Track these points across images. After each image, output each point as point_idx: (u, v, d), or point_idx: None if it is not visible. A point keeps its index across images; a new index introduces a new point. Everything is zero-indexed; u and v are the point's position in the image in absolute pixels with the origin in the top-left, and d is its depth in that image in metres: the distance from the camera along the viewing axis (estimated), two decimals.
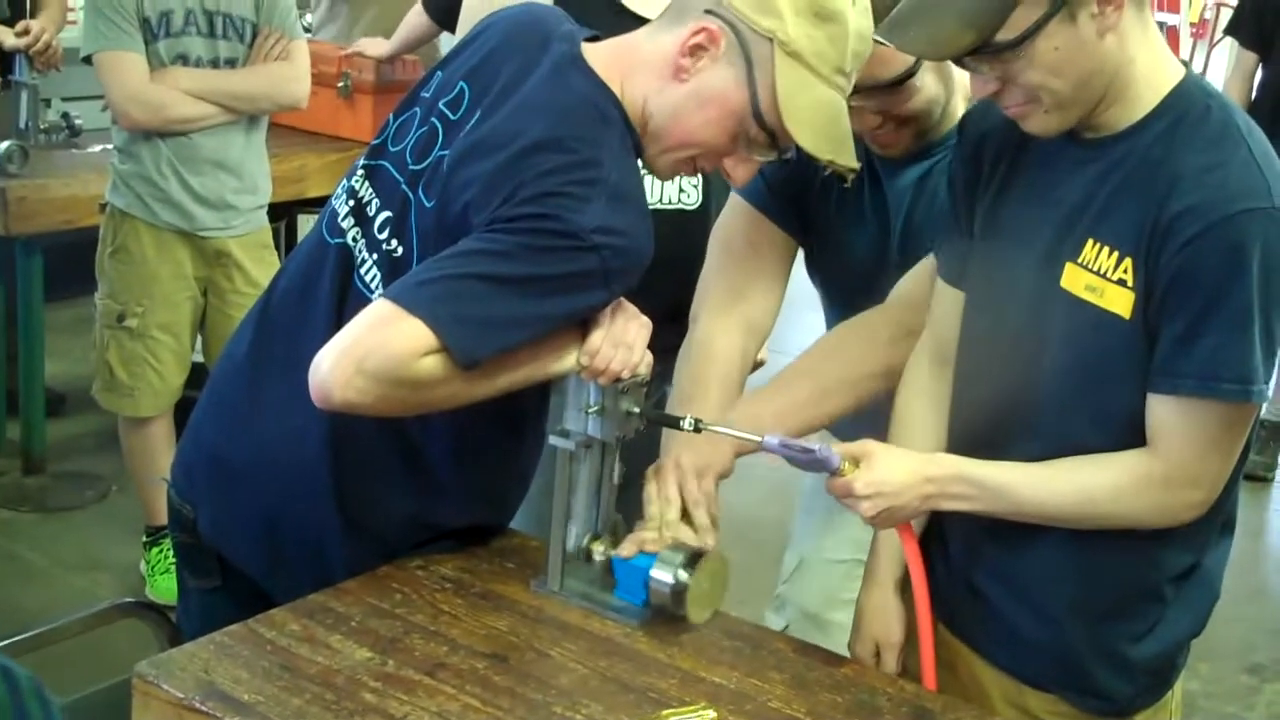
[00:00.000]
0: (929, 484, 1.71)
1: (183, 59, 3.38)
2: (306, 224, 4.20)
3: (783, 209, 2.07)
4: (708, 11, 1.70)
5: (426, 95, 1.84)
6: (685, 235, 2.23)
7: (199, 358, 3.66)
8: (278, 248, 3.94)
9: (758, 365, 2.64)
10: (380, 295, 1.67)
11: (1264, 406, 5.56)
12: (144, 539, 3.67)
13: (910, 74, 1.87)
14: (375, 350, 1.59)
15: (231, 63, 3.43)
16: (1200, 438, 1.64)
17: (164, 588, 3.53)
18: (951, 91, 1.98)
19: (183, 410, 3.49)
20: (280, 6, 3.49)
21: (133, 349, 3.49)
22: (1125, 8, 1.58)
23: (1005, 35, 1.57)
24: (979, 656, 1.85)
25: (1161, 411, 1.64)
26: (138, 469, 3.64)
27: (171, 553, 3.53)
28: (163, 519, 3.56)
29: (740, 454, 1.93)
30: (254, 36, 3.45)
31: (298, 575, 1.82)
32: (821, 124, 1.71)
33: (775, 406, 1.78)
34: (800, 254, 2.18)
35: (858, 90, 1.77)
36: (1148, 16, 1.64)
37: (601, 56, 1.76)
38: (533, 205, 1.62)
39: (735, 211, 2.11)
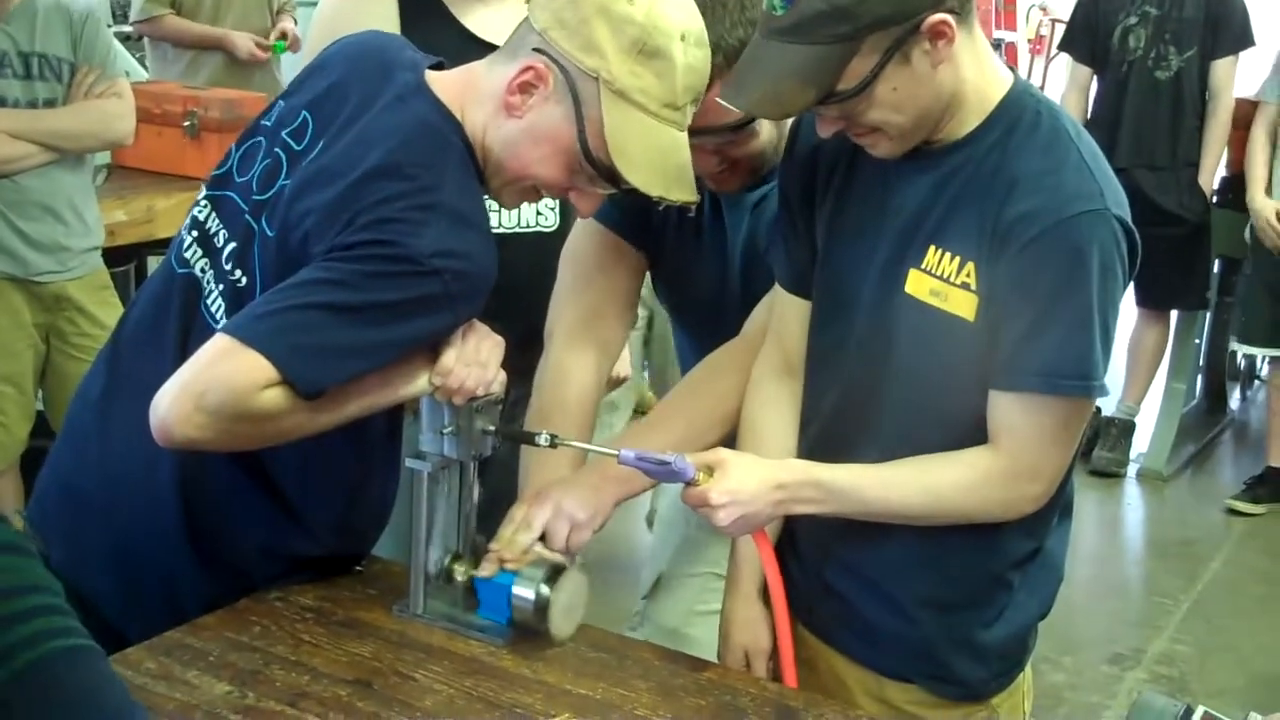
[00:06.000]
0: (780, 490, 1.73)
1: (0, 102, 3.30)
2: (156, 265, 4.12)
3: (633, 227, 2.09)
4: (536, 50, 1.70)
5: (268, 124, 1.83)
6: (544, 257, 2.23)
7: (41, 406, 3.55)
8: (127, 290, 3.86)
9: (620, 382, 2.66)
10: (220, 329, 1.65)
11: (1115, 405, 5.70)
12: None
13: (751, 119, 1.87)
14: (214, 385, 1.57)
15: (51, 103, 3.35)
16: (1042, 433, 1.69)
17: None
18: (784, 133, 1.98)
19: (29, 460, 3.42)
20: (100, 44, 3.42)
21: None
22: (956, 37, 1.61)
23: (845, 85, 1.59)
24: (837, 652, 1.88)
25: (1004, 408, 1.68)
26: None
27: None
28: None
29: (620, 500, 1.93)
30: (72, 76, 3.37)
31: (151, 610, 1.79)
32: (652, 160, 1.71)
33: (650, 445, 1.80)
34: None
35: (697, 133, 1.77)
36: (975, 31, 1.68)
37: (445, 84, 1.76)
38: (369, 231, 1.61)
39: (586, 230, 2.12)
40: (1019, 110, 1.69)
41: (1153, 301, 5.23)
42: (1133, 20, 5.01)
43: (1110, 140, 4.86)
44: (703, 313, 2.13)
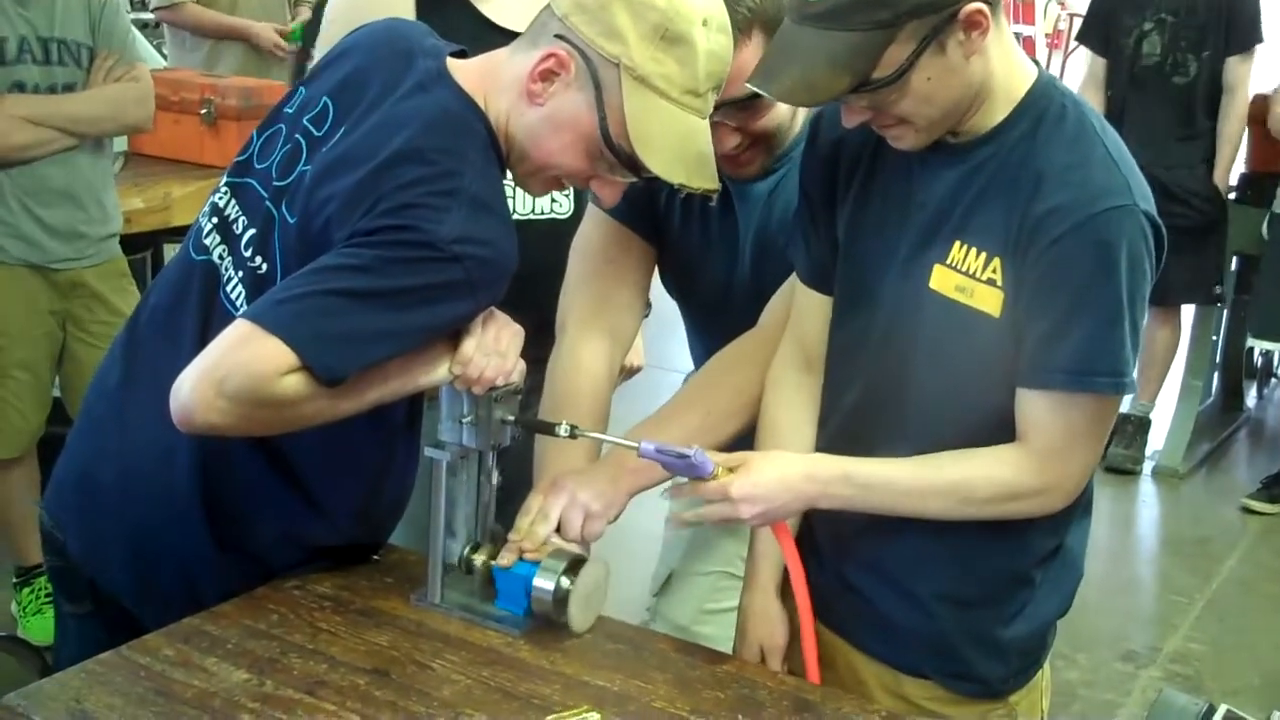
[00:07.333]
0: (812, 483, 1.72)
1: (19, 87, 3.27)
2: (173, 253, 4.12)
3: (640, 218, 2.08)
4: (558, 36, 1.69)
5: (290, 111, 1.82)
6: (559, 245, 2.23)
7: (58, 392, 3.55)
8: (144, 277, 3.86)
9: (634, 371, 2.65)
10: (241, 315, 1.64)
11: (1130, 401, 5.65)
12: (14, 580, 3.57)
13: None
14: (235, 371, 1.57)
15: (70, 88, 3.33)
16: (1071, 430, 1.68)
17: (36, 628, 3.42)
18: (796, 110, 1.98)
19: (45, 447, 3.42)
20: (118, 29, 3.41)
21: None
22: (990, 28, 1.60)
23: (880, 74, 1.58)
24: (855, 649, 1.87)
25: (1032, 405, 1.67)
26: (3, 510, 3.53)
27: (42, 593, 3.47)
28: (32, 559, 3.48)
29: (635, 492, 1.92)
30: (91, 61, 3.36)
31: (168, 598, 1.79)
32: (673, 147, 1.70)
33: (668, 436, 1.79)
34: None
35: (716, 109, 1.76)
36: (1002, 23, 1.67)
37: (466, 72, 1.76)
38: (391, 217, 1.61)
39: (595, 221, 2.12)
40: (1045, 103, 1.68)
41: (1163, 298, 5.21)
42: (1148, 26, 5.00)
43: (1124, 136, 4.84)
44: (711, 304, 2.12)
